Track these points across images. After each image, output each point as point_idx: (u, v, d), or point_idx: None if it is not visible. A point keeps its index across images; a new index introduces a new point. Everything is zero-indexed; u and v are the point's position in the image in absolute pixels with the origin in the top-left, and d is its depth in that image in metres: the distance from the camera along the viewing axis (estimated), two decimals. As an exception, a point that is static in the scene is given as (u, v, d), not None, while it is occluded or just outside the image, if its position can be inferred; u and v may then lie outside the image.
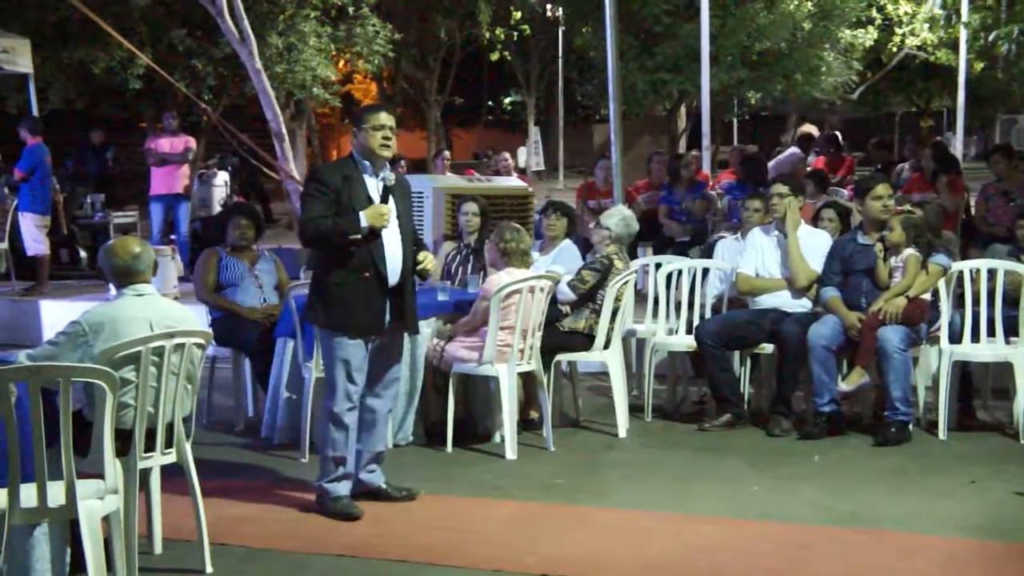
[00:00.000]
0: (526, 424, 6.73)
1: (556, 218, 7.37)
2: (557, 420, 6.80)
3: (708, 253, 7.84)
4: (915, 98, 31.72)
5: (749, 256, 7.02)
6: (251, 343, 6.82)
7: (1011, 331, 6.54)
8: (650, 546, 4.80)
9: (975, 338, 6.54)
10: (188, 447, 4.56)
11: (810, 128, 14.81)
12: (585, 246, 7.72)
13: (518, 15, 23.10)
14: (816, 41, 19.44)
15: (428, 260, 5.30)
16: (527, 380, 6.67)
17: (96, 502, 3.93)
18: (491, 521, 5.18)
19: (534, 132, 28.85)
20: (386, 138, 5.16)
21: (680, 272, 7.31)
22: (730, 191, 10.48)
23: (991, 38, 12.88)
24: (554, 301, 6.59)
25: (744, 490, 5.59)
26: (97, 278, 11.03)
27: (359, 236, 5.06)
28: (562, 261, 7.16)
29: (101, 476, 4.00)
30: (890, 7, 23.64)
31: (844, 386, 6.44)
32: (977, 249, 8.79)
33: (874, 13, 23.06)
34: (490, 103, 38.29)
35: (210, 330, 4.84)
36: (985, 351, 6.57)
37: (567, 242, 7.35)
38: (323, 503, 5.23)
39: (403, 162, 12.45)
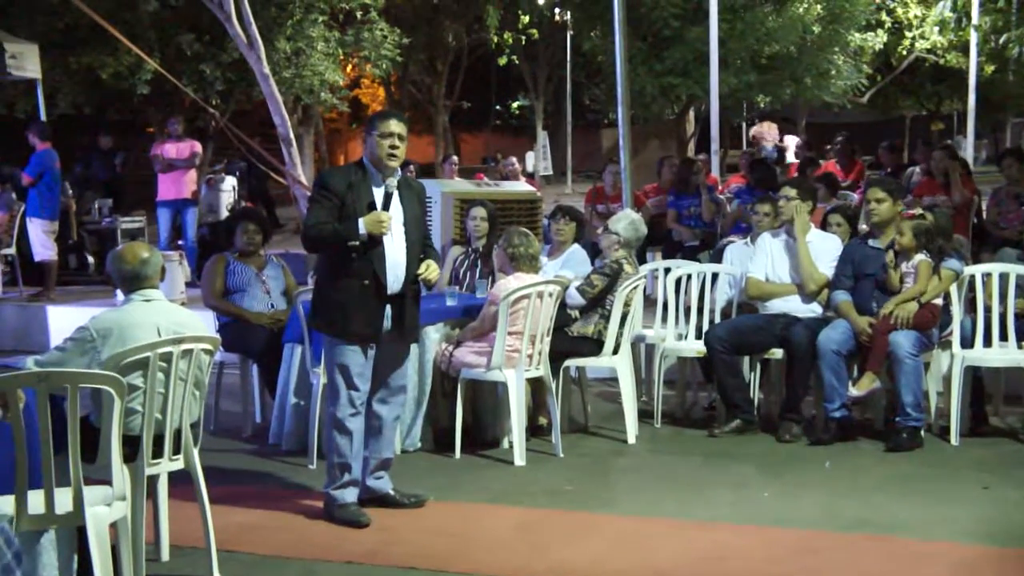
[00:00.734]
0: (535, 430, 6.71)
1: (565, 223, 7.35)
2: (566, 426, 6.77)
3: (717, 258, 7.82)
4: (925, 102, 31.65)
5: (759, 260, 6.99)
6: (259, 349, 6.81)
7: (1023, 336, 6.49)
8: (660, 553, 4.77)
9: (987, 343, 6.49)
10: (196, 453, 4.55)
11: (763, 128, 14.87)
12: (594, 251, 7.69)
13: (526, 19, 23.10)
14: (825, 44, 19.40)
15: (430, 270, 5.18)
16: (536, 386, 6.64)
17: (103, 508, 3.92)
18: (500, 528, 5.15)
19: (542, 136, 28.79)
20: (393, 146, 5.10)
21: (689, 277, 7.28)
22: (739, 195, 10.47)
23: (1002, 41, 12.85)
24: (563, 306, 6.56)
25: (754, 496, 5.56)
26: (105, 283, 11.05)
27: (358, 243, 5.03)
28: (571, 266, 7.13)
29: (108, 482, 3.99)
30: (900, 10, 23.59)
31: (855, 391, 6.39)
32: (988, 253, 8.75)
33: (884, 16, 23.03)
34: (498, 107, 38.24)
35: (218, 336, 4.83)
36: (997, 356, 6.51)
37: (576, 247, 7.33)
38: (330, 510, 5.21)
39: (412, 167, 12.46)
